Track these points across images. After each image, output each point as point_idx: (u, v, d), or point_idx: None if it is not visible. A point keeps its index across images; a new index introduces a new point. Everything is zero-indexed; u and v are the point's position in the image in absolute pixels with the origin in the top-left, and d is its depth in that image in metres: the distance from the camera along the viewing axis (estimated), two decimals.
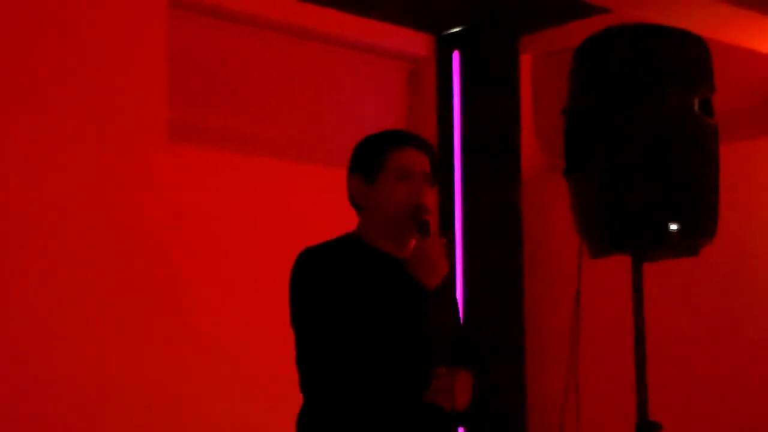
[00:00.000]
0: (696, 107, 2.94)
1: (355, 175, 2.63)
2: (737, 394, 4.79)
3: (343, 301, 2.44)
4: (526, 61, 5.70)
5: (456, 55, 5.63)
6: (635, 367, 2.95)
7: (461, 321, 2.80)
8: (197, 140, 4.81)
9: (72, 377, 4.18)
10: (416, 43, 5.65)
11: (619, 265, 3.13)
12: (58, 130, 4.26)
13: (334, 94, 5.39)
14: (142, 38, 4.53)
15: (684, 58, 2.95)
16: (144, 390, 4.34)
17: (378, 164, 2.58)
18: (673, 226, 2.89)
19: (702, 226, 2.96)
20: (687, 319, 4.93)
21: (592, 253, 3.08)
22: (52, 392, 4.13)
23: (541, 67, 5.73)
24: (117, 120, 4.41)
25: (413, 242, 2.54)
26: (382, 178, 2.58)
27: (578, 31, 3.35)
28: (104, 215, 4.33)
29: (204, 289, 4.63)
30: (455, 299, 2.79)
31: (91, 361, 4.23)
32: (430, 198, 2.62)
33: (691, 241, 2.98)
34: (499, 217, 5.54)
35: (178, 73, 4.71)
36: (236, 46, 5.05)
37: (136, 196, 4.43)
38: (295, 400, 2.58)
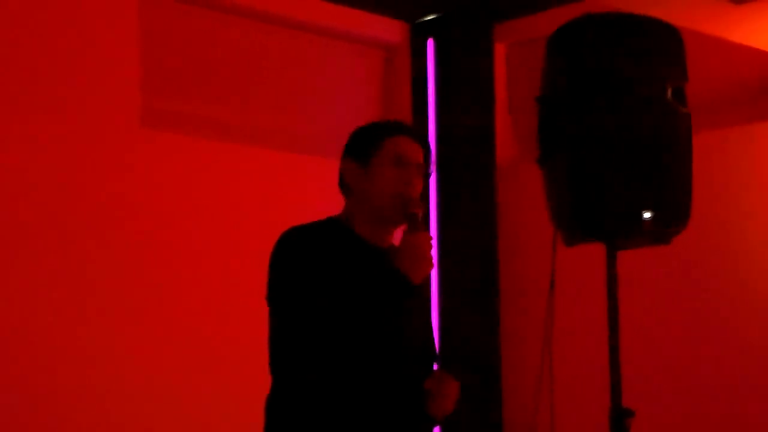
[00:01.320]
0: (669, 96, 2.95)
1: (349, 158, 2.63)
2: (710, 381, 4.82)
3: (324, 282, 2.43)
4: (500, 50, 5.70)
5: (430, 43, 5.63)
6: (609, 354, 2.97)
7: (431, 319, 2.80)
8: (171, 127, 4.79)
9: (44, 361, 4.16)
10: (390, 30, 5.65)
11: (593, 253, 3.15)
12: (30, 117, 4.23)
13: (308, 81, 5.37)
14: (114, 23, 4.50)
15: (657, 47, 2.96)
16: (117, 370, 4.34)
17: (373, 148, 2.59)
18: (647, 215, 2.91)
19: (675, 214, 2.98)
20: (660, 306, 4.96)
21: (566, 242, 3.09)
22: (28, 382, 4.11)
23: (516, 55, 5.73)
24: (90, 106, 4.38)
25: (398, 234, 2.54)
26: (376, 162, 2.58)
27: (552, 20, 3.34)
28: (77, 201, 4.31)
29: (177, 277, 4.61)
30: (428, 297, 2.79)
31: (62, 346, 4.21)
32: (420, 190, 2.61)
33: (664, 230, 3.00)
34: (473, 205, 5.55)
35: (151, 59, 4.69)
36: (209, 33, 5.02)
37: (109, 182, 4.41)
38: (265, 382, 2.57)
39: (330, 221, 2.62)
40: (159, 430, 4.46)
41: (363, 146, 2.61)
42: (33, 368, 4.14)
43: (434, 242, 2.51)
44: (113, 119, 4.46)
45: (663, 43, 2.99)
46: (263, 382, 2.57)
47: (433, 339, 2.72)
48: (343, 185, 2.64)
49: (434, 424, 2.63)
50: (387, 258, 2.48)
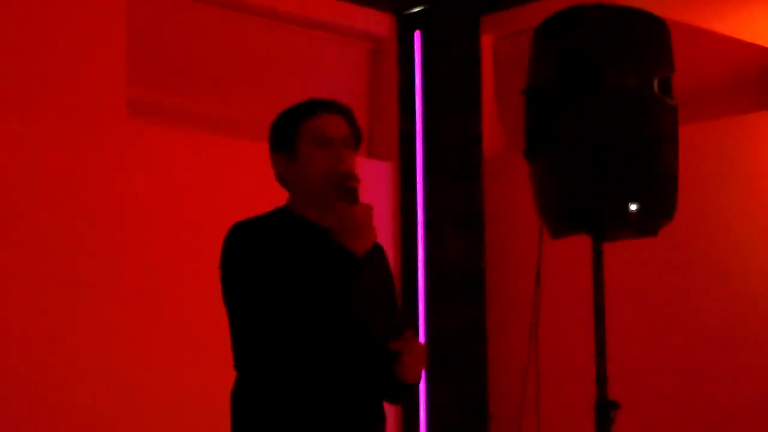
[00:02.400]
0: (655, 87, 2.95)
1: (275, 154, 2.60)
2: (696, 373, 4.83)
3: (275, 271, 2.42)
4: (487, 41, 5.70)
5: (417, 35, 5.62)
6: (595, 346, 2.97)
7: (395, 293, 2.76)
8: (157, 118, 4.77)
9: (30, 358, 4.15)
10: (378, 22, 5.63)
11: (580, 245, 3.14)
12: (14, 110, 4.21)
13: (295, 73, 5.36)
14: (101, 15, 4.48)
15: (644, 38, 2.96)
16: (99, 364, 4.33)
17: (293, 137, 2.56)
18: (633, 207, 2.91)
19: (661, 206, 2.98)
20: (646, 298, 4.97)
21: (552, 234, 3.09)
22: (18, 381, 4.10)
23: (503, 47, 5.73)
24: (76, 98, 4.37)
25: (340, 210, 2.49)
26: (301, 149, 2.55)
27: (539, 11, 3.34)
28: (62, 193, 4.30)
29: (165, 270, 4.60)
30: (388, 270, 2.74)
31: (48, 342, 4.19)
32: (354, 162, 2.57)
33: (651, 222, 3.00)
34: (460, 197, 5.54)
35: (137, 51, 4.67)
36: (196, 25, 5.01)
37: (95, 174, 4.40)
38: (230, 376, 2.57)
39: (277, 211, 2.60)
40: (152, 426, 4.45)
41: (283, 137, 2.58)
42: (21, 367, 4.12)
43: (372, 212, 2.46)
44: (99, 111, 4.44)
45: (650, 35, 2.99)
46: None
47: (396, 312, 2.69)
48: (280, 179, 2.61)
49: (406, 389, 2.59)
50: (329, 235, 2.45)
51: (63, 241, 4.27)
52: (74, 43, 4.38)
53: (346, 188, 2.50)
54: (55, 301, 4.23)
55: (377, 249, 2.57)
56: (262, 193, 4.82)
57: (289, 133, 2.57)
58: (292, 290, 2.39)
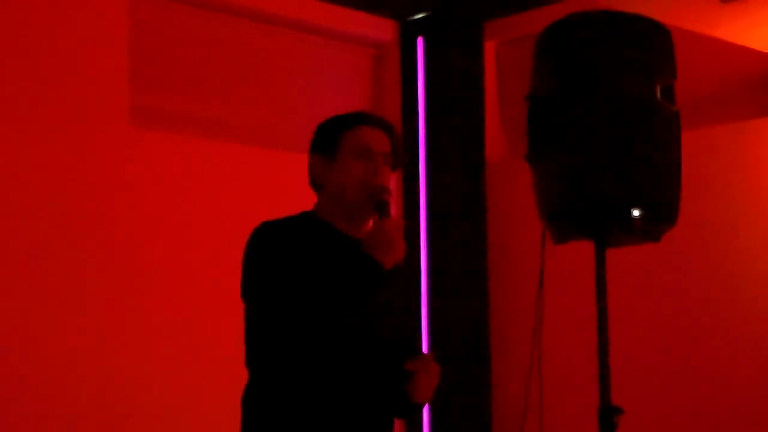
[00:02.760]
0: (658, 94, 2.96)
1: (315, 155, 2.65)
2: (699, 378, 4.84)
3: (299, 274, 2.44)
4: (490, 48, 5.71)
5: (420, 42, 5.63)
6: (598, 351, 2.97)
7: (411, 307, 2.80)
8: (160, 126, 4.78)
9: (29, 362, 4.15)
10: (380, 29, 5.65)
11: (583, 250, 3.15)
12: (18, 116, 4.22)
13: (298, 80, 5.37)
14: (104, 21, 4.49)
15: (646, 45, 2.97)
16: (103, 369, 4.34)
17: (336, 143, 2.60)
18: (636, 212, 2.91)
19: (664, 212, 2.99)
20: (649, 304, 4.97)
21: (555, 239, 3.09)
22: (16, 382, 4.10)
23: (506, 53, 5.73)
24: (79, 104, 4.38)
25: (371, 223, 2.55)
26: (341, 156, 2.60)
27: (542, 17, 3.35)
28: (65, 199, 4.30)
29: (168, 276, 4.61)
30: (408, 284, 2.79)
31: (49, 342, 4.20)
32: (391, 179, 2.62)
33: (654, 227, 3.00)
34: (463, 202, 5.55)
35: (140, 58, 4.68)
36: (199, 31, 5.02)
37: (98, 181, 4.41)
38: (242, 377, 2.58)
39: (303, 215, 2.63)
40: (152, 425, 4.46)
41: (327, 141, 2.63)
42: (18, 369, 4.13)
43: (404, 229, 2.51)
44: (102, 117, 4.45)
45: (652, 42, 3.00)
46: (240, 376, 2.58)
47: (412, 325, 2.71)
48: (313, 181, 2.65)
49: (416, 409, 2.61)
50: (359, 245, 2.48)
51: (66, 247, 4.27)
52: (77, 50, 4.39)
53: (379, 201, 2.54)
54: (58, 306, 4.24)
55: (402, 263, 2.59)
56: (265, 198, 4.89)
57: (333, 137, 2.62)
58: (313, 295, 2.41)
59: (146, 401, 4.45)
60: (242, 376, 2.59)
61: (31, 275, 4.18)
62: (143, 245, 4.53)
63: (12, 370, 4.10)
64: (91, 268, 4.34)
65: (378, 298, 2.47)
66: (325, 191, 2.63)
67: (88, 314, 4.31)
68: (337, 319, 2.43)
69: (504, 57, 5.73)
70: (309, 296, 2.41)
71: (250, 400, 2.55)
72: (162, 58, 4.86)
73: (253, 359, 2.54)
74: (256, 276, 2.51)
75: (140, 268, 4.50)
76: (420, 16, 5.61)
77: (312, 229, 2.58)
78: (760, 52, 4.82)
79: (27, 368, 4.14)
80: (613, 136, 2.90)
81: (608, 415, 2.92)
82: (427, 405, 2.66)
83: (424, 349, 2.89)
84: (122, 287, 4.43)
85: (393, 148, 2.63)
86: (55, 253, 4.24)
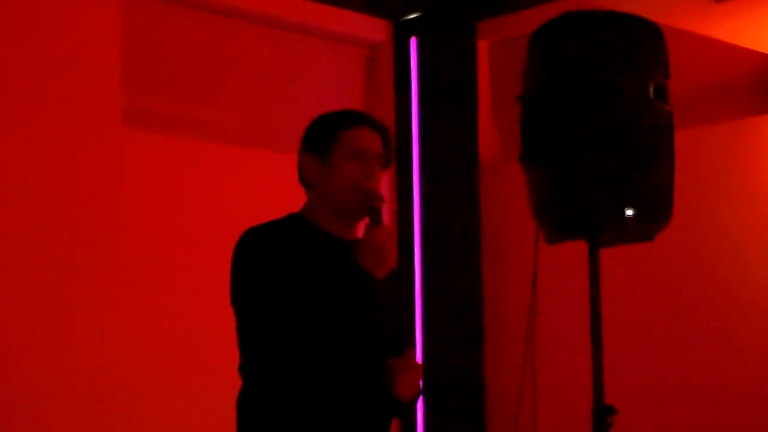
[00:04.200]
0: (651, 93, 2.96)
1: (307, 153, 2.61)
2: (693, 378, 4.84)
3: (289, 279, 2.42)
4: (483, 48, 5.70)
5: (413, 42, 5.62)
6: (592, 351, 2.97)
7: (406, 314, 2.79)
8: (153, 127, 4.77)
9: (22, 362, 4.14)
10: (373, 29, 5.64)
11: (576, 250, 3.15)
12: (10, 117, 4.21)
13: (291, 80, 5.36)
14: (97, 22, 4.48)
15: (639, 44, 2.96)
16: (95, 369, 4.33)
17: (330, 142, 2.57)
18: (629, 212, 2.91)
19: (657, 211, 2.98)
20: (643, 303, 4.97)
21: (548, 239, 3.09)
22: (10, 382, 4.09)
23: (499, 53, 5.73)
24: (71, 105, 4.37)
25: (361, 226, 2.53)
26: (335, 156, 2.56)
27: (535, 17, 3.34)
28: (58, 200, 4.29)
29: (160, 276, 4.60)
30: (403, 290, 2.77)
31: (40, 341, 4.19)
32: (383, 181, 2.60)
33: (647, 227, 3.00)
34: (457, 203, 5.55)
35: (133, 58, 4.67)
36: (191, 32, 5.01)
37: (91, 182, 4.40)
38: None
39: (291, 217, 2.60)
40: (147, 427, 4.45)
41: (320, 140, 2.58)
42: (12, 369, 4.12)
43: (395, 236, 2.51)
44: (95, 119, 4.44)
45: (645, 41, 2.99)
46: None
47: (406, 331, 2.70)
48: (303, 180, 2.62)
49: (400, 406, 2.59)
50: (350, 253, 2.46)
51: (58, 249, 4.26)
52: (69, 51, 4.38)
53: (372, 208, 2.51)
54: (51, 308, 4.23)
55: (394, 271, 2.57)
56: (258, 199, 4.88)
57: (326, 137, 2.58)
58: (304, 302, 2.39)
59: (138, 404, 4.44)
60: (237, 380, 2.59)
61: (21, 275, 4.17)
62: (135, 246, 4.51)
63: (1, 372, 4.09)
64: (83, 269, 4.33)
65: (369, 306, 2.46)
66: (315, 191, 2.60)
67: (78, 314, 4.30)
68: (328, 327, 2.41)
69: (497, 57, 5.73)
70: (299, 303, 2.39)
71: (244, 405, 2.54)
72: (154, 59, 4.85)
73: (246, 365, 2.53)
74: (247, 282, 2.49)
75: (131, 268, 4.49)
76: (413, 16, 5.61)
77: (300, 232, 2.54)
78: (753, 52, 4.82)
79: (17, 374, 4.13)
80: (606, 136, 2.90)
81: (602, 414, 2.92)
82: (419, 404, 2.65)
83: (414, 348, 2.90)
84: (113, 288, 4.41)
85: (385, 149, 2.61)
86: (46, 255, 4.23)
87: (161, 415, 4.50)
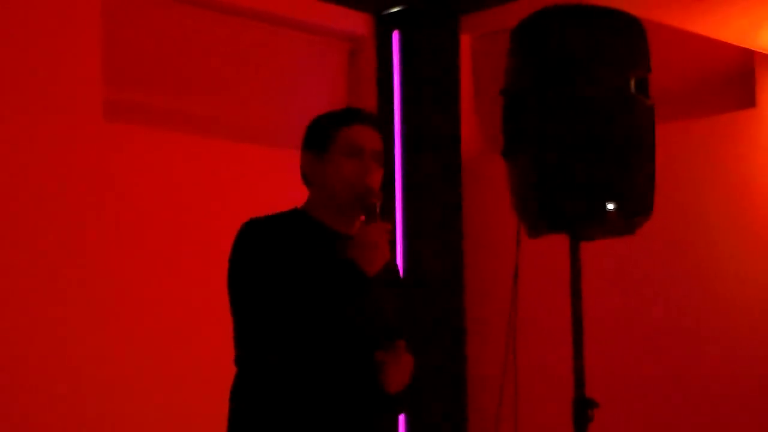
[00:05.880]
0: (632, 87, 2.96)
1: (307, 152, 2.65)
2: (674, 371, 4.86)
3: (280, 272, 2.44)
4: (465, 41, 5.71)
5: (396, 35, 5.62)
6: (573, 344, 2.98)
7: (404, 308, 2.80)
8: (134, 120, 4.76)
9: (11, 359, 4.13)
10: (356, 22, 5.63)
11: (558, 244, 3.16)
12: None
13: (273, 73, 5.35)
14: (77, 16, 4.46)
15: (620, 38, 2.97)
16: (89, 366, 4.32)
17: (328, 140, 2.61)
18: (610, 206, 2.92)
19: (638, 205, 2.99)
20: (624, 297, 4.99)
21: (529, 233, 3.09)
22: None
23: (481, 47, 5.74)
24: (52, 99, 4.35)
25: (359, 224, 2.55)
26: (332, 153, 2.60)
27: (518, 11, 3.35)
28: (39, 195, 4.27)
29: (144, 271, 4.59)
30: (400, 285, 2.79)
31: (25, 340, 4.17)
32: (378, 178, 2.63)
33: (628, 221, 3.01)
34: (439, 197, 5.55)
35: (113, 51, 4.65)
36: (172, 25, 4.99)
37: (72, 176, 4.38)
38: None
39: (293, 212, 2.63)
40: (149, 422, 4.44)
41: (319, 138, 2.63)
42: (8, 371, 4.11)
43: (390, 233, 2.53)
44: (76, 113, 4.42)
45: (626, 35, 3.00)
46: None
47: (398, 326, 2.71)
48: (304, 177, 2.66)
49: (392, 400, 2.60)
50: (342, 248, 2.48)
51: (40, 244, 4.25)
52: (49, 45, 4.36)
53: (368, 204, 2.54)
54: (34, 303, 4.21)
55: (389, 265, 2.59)
56: (243, 193, 4.87)
57: (324, 135, 2.62)
58: (298, 296, 2.41)
59: (134, 398, 4.44)
60: (231, 370, 2.59)
61: (4, 273, 4.14)
62: (119, 241, 4.50)
63: None
64: (66, 264, 4.31)
65: (361, 302, 2.47)
66: (315, 187, 2.64)
67: (64, 312, 4.28)
68: (320, 320, 2.43)
69: (480, 51, 5.73)
70: (293, 297, 2.41)
71: (238, 395, 2.55)
72: (135, 53, 4.83)
73: (240, 355, 2.54)
74: (243, 273, 2.51)
75: (116, 264, 4.47)
76: (396, 9, 5.60)
77: (300, 226, 2.57)
78: (734, 47, 4.84)
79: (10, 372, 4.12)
80: (587, 130, 2.90)
81: (583, 408, 2.92)
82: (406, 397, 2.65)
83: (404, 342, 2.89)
84: (97, 283, 4.40)
85: (381, 146, 2.65)
86: (29, 250, 4.21)
87: (157, 408, 4.50)
